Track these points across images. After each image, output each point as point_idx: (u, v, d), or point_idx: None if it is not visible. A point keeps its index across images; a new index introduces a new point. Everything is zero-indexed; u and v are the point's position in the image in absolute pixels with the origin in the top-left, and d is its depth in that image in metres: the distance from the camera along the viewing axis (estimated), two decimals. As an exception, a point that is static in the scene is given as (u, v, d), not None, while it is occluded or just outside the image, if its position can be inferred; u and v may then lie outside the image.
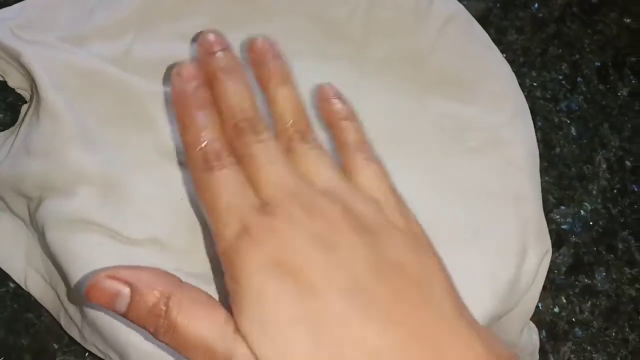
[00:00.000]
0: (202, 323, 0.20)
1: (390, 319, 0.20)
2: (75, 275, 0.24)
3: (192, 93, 0.23)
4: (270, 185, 0.22)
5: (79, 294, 0.24)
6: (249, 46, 0.24)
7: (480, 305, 0.27)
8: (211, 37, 0.23)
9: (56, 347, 0.29)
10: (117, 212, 0.26)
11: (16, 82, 0.29)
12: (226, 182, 0.22)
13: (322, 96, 0.25)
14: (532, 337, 0.31)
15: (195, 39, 0.23)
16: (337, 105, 0.25)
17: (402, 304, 0.20)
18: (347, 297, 0.20)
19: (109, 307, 0.20)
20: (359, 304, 0.20)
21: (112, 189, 0.26)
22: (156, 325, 0.20)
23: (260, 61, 0.24)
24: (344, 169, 0.24)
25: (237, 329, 0.20)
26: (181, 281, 0.21)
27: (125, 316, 0.20)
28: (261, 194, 0.22)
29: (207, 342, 0.20)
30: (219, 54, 0.23)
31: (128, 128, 0.27)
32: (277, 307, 0.19)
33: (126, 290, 0.20)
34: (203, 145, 0.22)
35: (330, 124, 0.25)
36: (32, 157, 0.25)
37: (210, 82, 0.23)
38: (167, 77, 0.29)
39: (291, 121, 0.23)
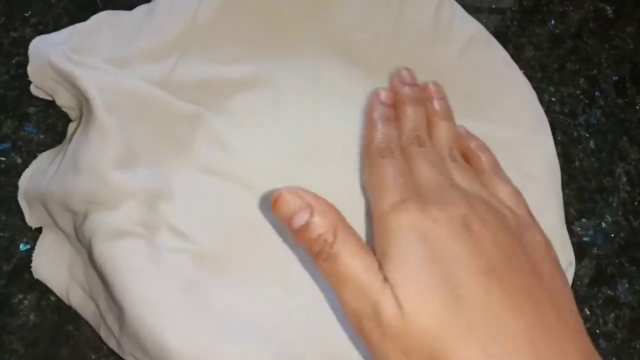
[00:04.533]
0: (360, 262, 0.23)
1: (522, 307, 0.22)
2: (120, 284, 0.25)
3: (383, 108, 0.30)
4: (426, 179, 0.26)
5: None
6: (424, 87, 0.32)
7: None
8: (405, 73, 0.31)
9: (94, 357, 0.30)
10: (158, 225, 0.27)
11: (64, 101, 0.31)
12: (393, 166, 0.27)
13: (460, 135, 0.31)
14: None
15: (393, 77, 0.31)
16: (473, 141, 0.31)
17: (534, 302, 0.23)
18: (484, 282, 0.22)
19: (285, 221, 0.23)
20: (494, 290, 0.22)
21: (153, 204, 0.27)
22: (320, 250, 0.23)
23: (430, 98, 0.31)
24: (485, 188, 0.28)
25: (386, 279, 0.22)
26: (348, 223, 0.24)
27: (296, 234, 0.23)
28: (420, 186, 0.26)
29: (361, 281, 0.22)
30: (408, 87, 0.31)
31: (169, 147, 0.29)
32: (419, 269, 0.22)
33: (306, 210, 0.23)
34: (381, 141, 0.28)
35: (469, 154, 0.30)
36: (79, 174, 0.27)
37: (398, 104, 0.30)
38: (206, 99, 0.30)
39: (446, 147, 0.29)
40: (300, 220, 0.23)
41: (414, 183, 0.26)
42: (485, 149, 0.30)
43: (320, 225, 0.23)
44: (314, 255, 0.23)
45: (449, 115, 0.31)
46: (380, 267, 0.23)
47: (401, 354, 0.21)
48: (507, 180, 0.29)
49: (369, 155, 0.28)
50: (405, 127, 0.29)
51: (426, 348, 0.21)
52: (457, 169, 0.28)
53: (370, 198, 0.27)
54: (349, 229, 0.24)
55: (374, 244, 0.25)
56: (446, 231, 0.23)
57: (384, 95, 0.30)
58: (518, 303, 0.22)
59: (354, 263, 0.23)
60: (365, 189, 0.28)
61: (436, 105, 0.31)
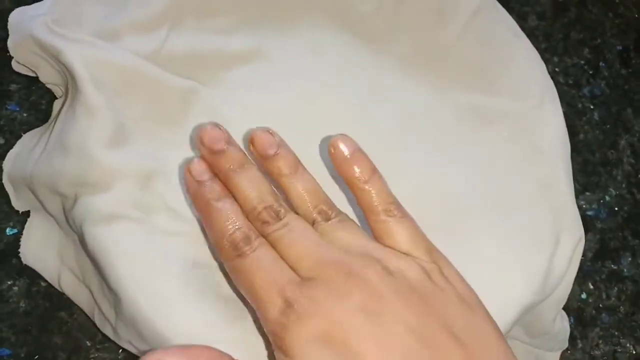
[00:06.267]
0: None
1: None
2: (115, 270, 0.24)
3: (206, 187, 0.24)
4: (303, 259, 0.22)
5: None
6: (250, 141, 0.25)
7: (515, 295, 0.27)
8: (211, 134, 0.24)
9: (89, 344, 0.29)
10: (153, 206, 0.26)
11: (48, 77, 0.29)
12: (260, 262, 0.22)
13: (336, 156, 0.25)
14: (563, 324, 0.31)
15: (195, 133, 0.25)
16: (355, 166, 0.24)
17: None
18: None
19: None
20: None
21: (147, 184, 0.26)
22: None
23: (265, 155, 0.25)
24: (375, 234, 0.24)
25: None
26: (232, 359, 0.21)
27: None
28: (298, 269, 0.22)
29: None
30: (223, 153, 0.24)
31: (163, 124, 0.27)
32: None
33: None
34: (229, 234, 0.23)
35: (351, 186, 0.25)
36: (67, 155, 0.25)
37: (222, 177, 0.24)
38: (200, 73, 0.29)
39: (311, 206, 0.24)
40: None
41: (291, 268, 0.22)
42: (374, 177, 0.24)
43: None
44: None
45: (297, 166, 0.25)
46: None
47: None
48: (399, 219, 0.24)
49: (225, 258, 0.23)
50: (246, 203, 0.24)
51: None
52: (334, 230, 0.24)
53: (254, 308, 0.23)
54: None
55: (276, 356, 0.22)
56: (347, 329, 0.21)
57: (197, 170, 0.24)
58: None
59: None
60: (242, 295, 0.24)
61: (279, 163, 0.24)
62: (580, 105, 0.38)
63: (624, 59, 0.40)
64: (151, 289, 0.24)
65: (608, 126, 0.38)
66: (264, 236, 0.23)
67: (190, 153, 0.28)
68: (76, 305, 0.29)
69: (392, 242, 0.24)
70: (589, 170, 0.37)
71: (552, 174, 0.30)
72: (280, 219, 0.23)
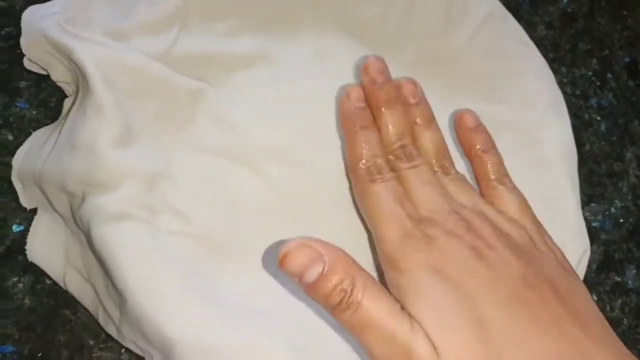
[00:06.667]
0: (383, 306, 0.21)
1: (547, 330, 0.22)
2: (121, 270, 0.24)
3: (358, 113, 0.27)
4: (426, 204, 0.25)
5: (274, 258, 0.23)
6: (398, 85, 0.28)
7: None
8: (375, 66, 0.27)
9: (92, 343, 0.29)
10: (159, 206, 0.26)
11: (60, 75, 0.29)
12: (387, 192, 0.25)
13: (462, 125, 0.28)
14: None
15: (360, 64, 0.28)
16: (478, 138, 0.28)
17: (556, 318, 0.22)
18: (507, 309, 0.22)
19: (297, 276, 0.21)
20: (518, 315, 0.22)
21: (154, 184, 0.26)
22: (340, 301, 0.21)
23: (407, 102, 0.28)
24: (487, 199, 0.27)
25: (412, 318, 0.21)
26: (361, 267, 0.22)
27: (309, 288, 0.22)
28: (420, 209, 0.25)
29: (388, 325, 0.21)
30: (382, 86, 0.27)
31: (170, 125, 0.27)
32: (444, 307, 0.22)
33: (320, 263, 0.21)
34: (366, 160, 0.26)
35: (470, 155, 0.28)
36: (76, 153, 0.25)
37: (373, 108, 0.27)
38: (208, 75, 0.29)
39: (435, 158, 0.27)
40: (313, 273, 0.21)
41: (413, 206, 0.25)
42: (492, 149, 0.28)
43: (336, 274, 0.21)
44: (333, 307, 0.22)
45: (431, 121, 0.28)
46: (402, 306, 0.22)
47: None
48: (511, 189, 0.27)
49: (357, 179, 0.26)
50: (387, 137, 0.27)
51: None
52: (452, 185, 0.27)
53: (371, 228, 0.25)
54: (364, 272, 0.22)
55: (386, 279, 0.24)
56: (460, 266, 0.23)
57: (355, 96, 0.27)
58: (542, 324, 0.22)
59: (378, 308, 0.21)
60: (363, 215, 0.26)
61: (416, 112, 0.28)
62: (587, 117, 0.38)
63: (632, 71, 0.40)
64: (156, 289, 0.24)
65: (614, 138, 0.38)
66: (395, 169, 0.26)
67: (196, 154, 0.28)
68: (80, 303, 0.29)
69: (502, 207, 0.26)
70: (594, 182, 0.37)
71: (558, 184, 0.30)
72: (412, 160, 0.26)
